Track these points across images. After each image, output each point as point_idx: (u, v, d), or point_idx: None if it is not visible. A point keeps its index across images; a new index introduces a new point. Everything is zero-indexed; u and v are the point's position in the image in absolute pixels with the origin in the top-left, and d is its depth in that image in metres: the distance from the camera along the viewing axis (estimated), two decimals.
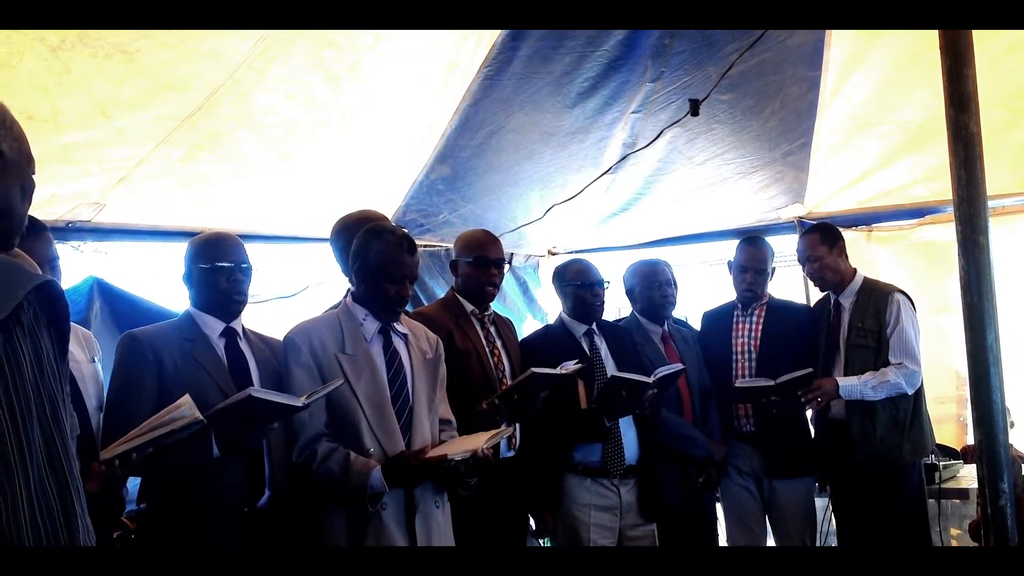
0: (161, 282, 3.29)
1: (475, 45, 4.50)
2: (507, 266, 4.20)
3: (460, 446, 3.07)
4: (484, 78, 4.71)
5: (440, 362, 3.40)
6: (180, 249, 3.36)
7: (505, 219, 5.98)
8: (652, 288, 4.68)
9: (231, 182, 4.61)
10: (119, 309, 4.38)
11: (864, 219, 5.90)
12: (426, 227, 5.82)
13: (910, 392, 4.41)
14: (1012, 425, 5.23)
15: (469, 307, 4.04)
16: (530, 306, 7.03)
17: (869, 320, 4.49)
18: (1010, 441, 5.08)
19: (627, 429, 4.20)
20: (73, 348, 3.19)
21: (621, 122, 5.32)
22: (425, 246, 5.88)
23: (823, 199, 5.98)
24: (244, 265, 3.23)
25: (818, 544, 4.78)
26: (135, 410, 2.87)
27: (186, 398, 2.66)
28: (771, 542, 4.82)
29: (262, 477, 3.14)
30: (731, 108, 5.20)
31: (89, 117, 3.70)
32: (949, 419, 5.61)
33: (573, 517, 4.15)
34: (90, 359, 3.25)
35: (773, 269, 4.87)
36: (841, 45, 4.81)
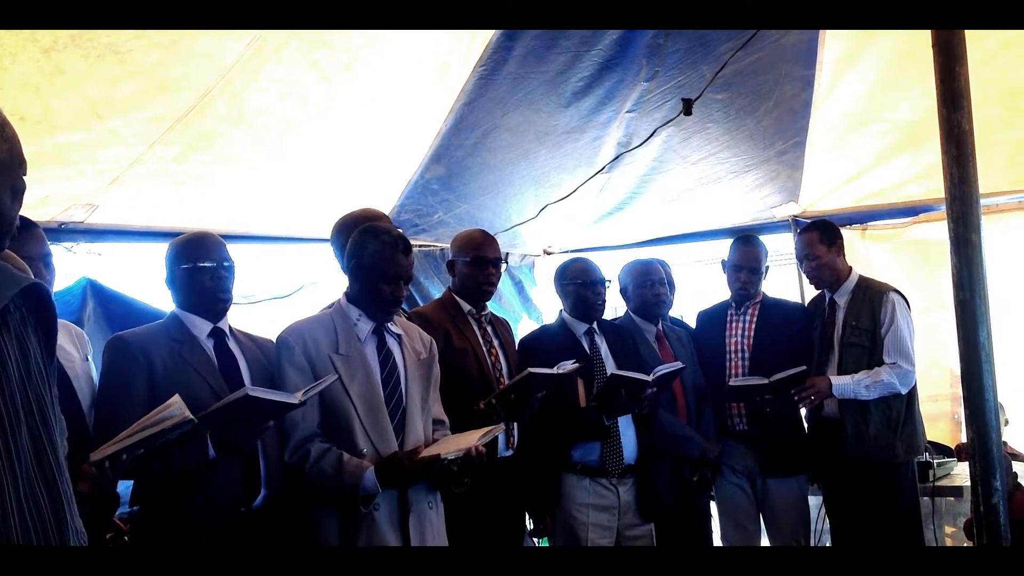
0: (154, 283, 3.26)
1: (469, 45, 4.50)
2: (504, 265, 4.19)
3: (453, 445, 3.06)
4: (478, 77, 4.72)
5: (434, 362, 3.39)
6: None
7: (500, 219, 5.99)
8: (645, 287, 4.67)
9: (225, 182, 4.61)
10: (112, 310, 4.38)
11: (858, 217, 5.90)
12: (421, 227, 5.82)
13: (904, 392, 4.42)
14: (1007, 423, 5.24)
15: (466, 307, 4.04)
16: (526, 306, 7.03)
17: (864, 319, 4.48)
18: (1004, 439, 5.13)
19: (626, 428, 4.20)
20: (67, 346, 3.19)
21: (616, 121, 5.33)
22: (420, 246, 5.88)
23: (817, 198, 5.98)
24: (226, 263, 3.20)
25: (812, 542, 4.78)
26: (126, 413, 2.83)
27: (176, 398, 2.64)
28: (765, 540, 4.82)
29: (258, 477, 3.13)
30: (725, 107, 5.21)
31: (82, 118, 3.70)
32: (943, 417, 5.61)
33: (571, 517, 4.15)
34: (83, 357, 3.24)
35: (767, 268, 4.86)
36: (835, 44, 4.82)
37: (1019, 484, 4.84)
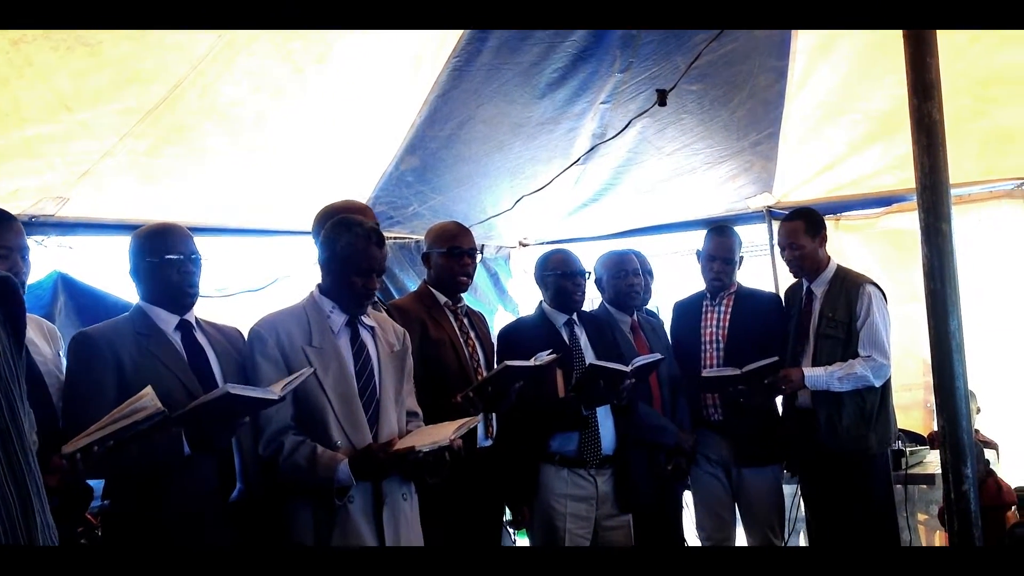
0: (126, 277, 3.21)
1: (443, 36, 4.49)
2: (479, 256, 4.19)
3: (427, 437, 3.06)
4: (452, 69, 4.71)
5: (407, 354, 3.39)
6: None
7: (475, 210, 5.98)
8: (618, 278, 4.68)
9: (197, 175, 4.58)
10: (84, 304, 4.36)
11: (832, 208, 5.92)
12: (396, 219, 5.80)
13: (877, 384, 4.41)
14: (978, 411, 5.29)
15: (442, 299, 4.05)
16: (501, 298, 7.03)
17: (840, 311, 4.47)
18: (976, 427, 5.17)
19: (605, 419, 4.21)
20: (39, 342, 3.16)
21: (590, 113, 5.33)
22: (395, 238, 5.87)
23: (791, 188, 6.01)
24: (193, 256, 3.14)
25: (786, 531, 4.80)
26: (96, 411, 2.73)
27: (148, 390, 2.61)
28: (740, 529, 4.84)
29: (232, 471, 3.10)
30: (700, 98, 5.22)
31: (52, 110, 3.67)
32: (916, 405, 5.65)
33: (549, 507, 4.16)
34: (55, 352, 3.21)
35: (741, 258, 4.88)
36: (808, 35, 4.84)
37: (991, 471, 4.89)
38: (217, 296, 4.93)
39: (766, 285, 5.88)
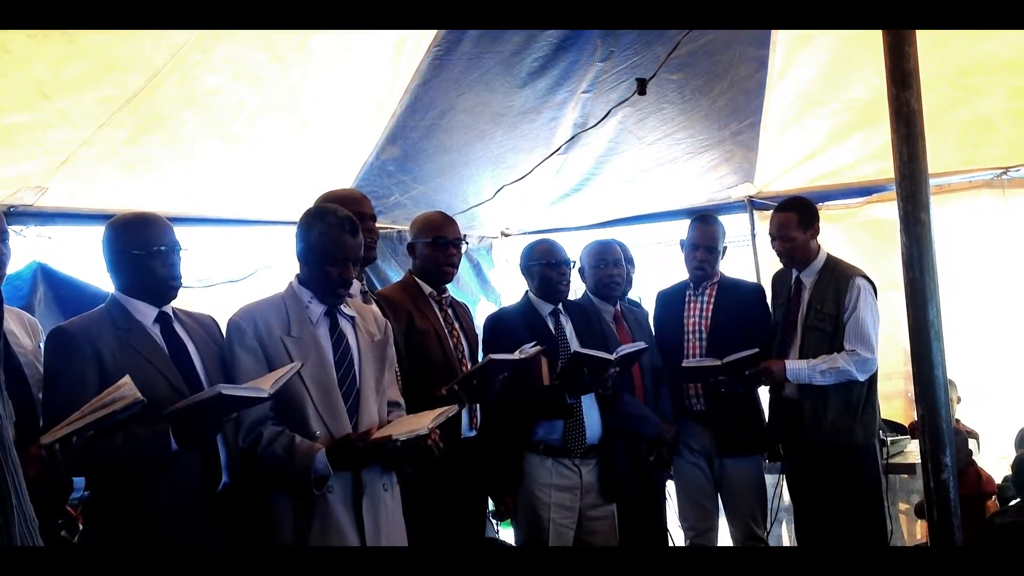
0: (104, 267, 3.15)
1: (419, 30, 4.47)
2: (464, 246, 4.19)
3: (406, 426, 3.05)
4: (433, 58, 4.70)
5: (388, 344, 3.38)
6: None
7: (457, 200, 5.97)
8: (598, 268, 4.68)
9: (177, 164, 4.55)
10: (63, 294, 4.32)
11: (813, 198, 5.82)
12: (377, 209, 5.72)
13: (861, 379, 4.37)
14: (959, 400, 5.32)
15: (427, 289, 4.04)
16: (484, 288, 7.03)
17: (828, 304, 4.42)
18: (957, 416, 5.20)
19: (590, 408, 4.21)
20: (19, 333, 3.14)
21: (571, 102, 5.33)
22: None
23: (772, 178, 6.02)
24: (177, 247, 3.08)
25: (768, 520, 4.82)
26: (77, 407, 2.64)
27: (126, 379, 2.58)
28: (722, 519, 4.86)
29: (217, 463, 3.05)
30: (680, 88, 5.22)
31: (29, 98, 3.64)
32: (897, 395, 5.68)
33: (534, 497, 4.16)
34: (36, 345, 3.18)
35: (724, 248, 4.87)
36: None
37: (972, 461, 4.93)
38: (198, 287, 4.90)
39: (748, 275, 5.90)
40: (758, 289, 5.07)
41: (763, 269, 6.09)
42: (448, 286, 4.17)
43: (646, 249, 6.75)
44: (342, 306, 3.22)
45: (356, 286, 3.63)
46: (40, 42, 3.38)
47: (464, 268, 6.66)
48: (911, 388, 2.92)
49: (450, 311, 4.09)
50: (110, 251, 3.06)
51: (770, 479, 4.91)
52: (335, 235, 3.11)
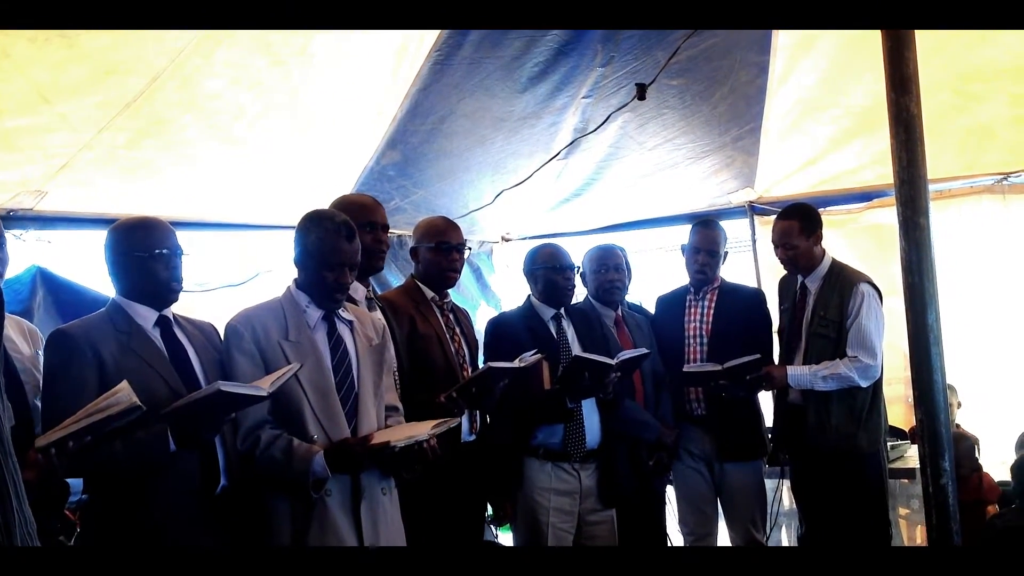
0: (105, 271, 3.16)
1: (424, 30, 4.47)
2: (468, 251, 4.20)
3: (404, 432, 3.05)
4: (434, 63, 4.69)
5: (386, 348, 3.38)
6: None
7: (457, 205, 5.97)
8: (600, 273, 4.69)
9: (177, 169, 4.55)
10: (63, 299, 4.32)
11: (813, 203, 5.88)
12: None
13: (863, 385, 4.34)
14: (959, 405, 5.31)
15: (429, 294, 4.05)
16: (484, 293, 7.03)
17: (832, 310, 4.40)
18: (958, 421, 5.19)
19: (590, 413, 4.22)
20: (17, 339, 3.14)
21: (572, 107, 5.33)
22: None
23: (773, 183, 6.03)
24: (179, 251, 3.11)
25: (768, 526, 4.81)
26: (77, 409, 2.65)
27: (124, 384, 2.58)
28: (722, 524, 4.85)
29: (215, 465, 3.06)
30: (681, 93, 5.22)
31: (29, 102, 3.63)
32: (898, 400, 5.66)
33: (533, 501, 4.16)
34: (35, 352, 3.18)
35: (725, 253, 4.87)
36: (789, 30, 4.83)
37: (979, 467, 4.92)
38: (198, 291, 4.90)
39: (749, 280, 5.90)
40: (758, 294, 5.07)
41: (764, 274, 6.09)
42: (449, 291, 4.17)
43: (646, 254, 6.76)
44: (340, 310, 3.22)
45: (361, 292, 3.64)
46: (40, 46, 3.37)
47: (464, 273, 6.60)
48: (911, 393, 2.92)
49: (451, 316, 4.10)
50: (112, 254, 3.08)
51: (770, 484, 4.91)
52: (332, 240, 3.11)
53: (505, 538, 4.87)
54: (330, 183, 5.15)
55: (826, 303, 4.44)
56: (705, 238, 4.78)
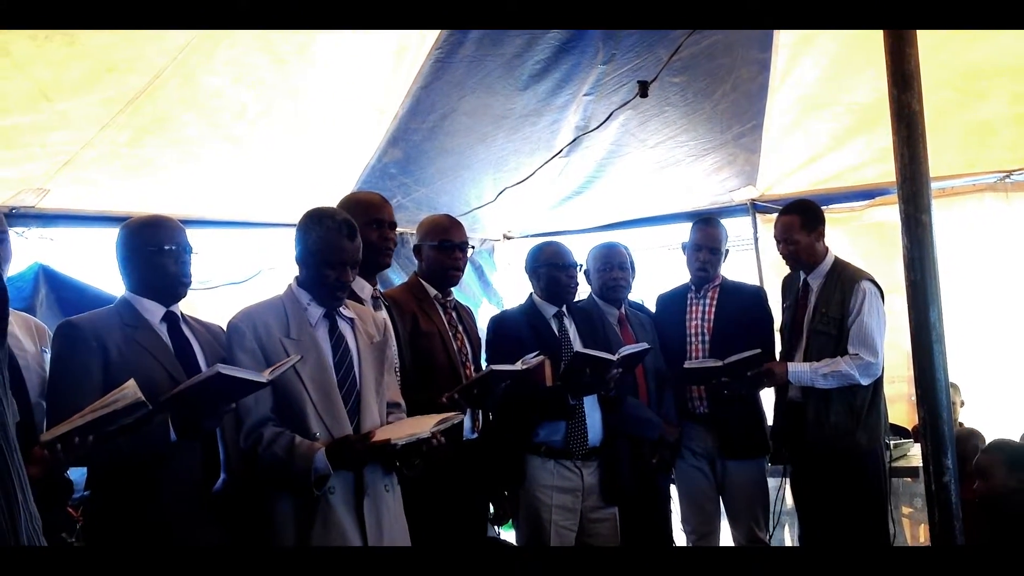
0: (108, 269, 3.20)
1: (424, 30, 4.46)
2: (471, 250, 4.20)
3: (406, 429, 3.05)
4: (435, 60, 4.69)
5: (388, 345, 3.38)
6: None
7: (459, 203, 5.97)
8: (604, 271, 4.69)
9: (178, 166, 4.55)
10: (65, 296, 4.32)
11: (816, 201, 5.93)
12: None
13: (864, 383, 4.35)
14: (962, 404, 5.30)
15: (433, 291, 4.05)
16: (486, 291, 7.03)
17: (834, 307, 4.41)
18: (960, 420, 5.19)
19: (592, 411, 4.22)
20: (21, 336, 3.15)
21: (573, 105, 5.32)
22: None
23: (775, 181, 6.02)
24: (188, 249, 3.18)
25: (770, 524, 4.81)
26: (80, 400, 2.73)
27: (131, 382, 2.59)
28: (724, 522, 4.85)
29: (217, 461, 3.11)
30: (683, 90, 5.21)
31: (31, 100, 3.63)
32: (900, 399, 5.66)
33: (535, 498, 4.16)
34: (40, 349, 3.19)
35: (727, 251, 4.87)
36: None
37: None
38: (200, 288, 4.90)
39: (750, 279, 5.89)
40: (760, 292, 5.08)
41: (766, 272, 6.09)
42: (452, 288, 4.17)
43: (648, 252, 6.75)
44: (341, 308, 3.23)
45: (368, 290, 3.64)
46: (41, 44, 3.37)
47: (466, 271, 6.64)
48: (914, 391, 2.91)
49: (454, 314, 4.10)
50: (123, 250, 3.15)
51: (772, 482, 4.90)
52: (333, 239, 3.12)
53: (507, 536, 4.86)
54: (332, 181, 5.15)
55: (828, 300, 4.45)
56: (706, 236, 4.79)
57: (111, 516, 2.97)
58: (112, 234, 3.22)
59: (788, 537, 5.80)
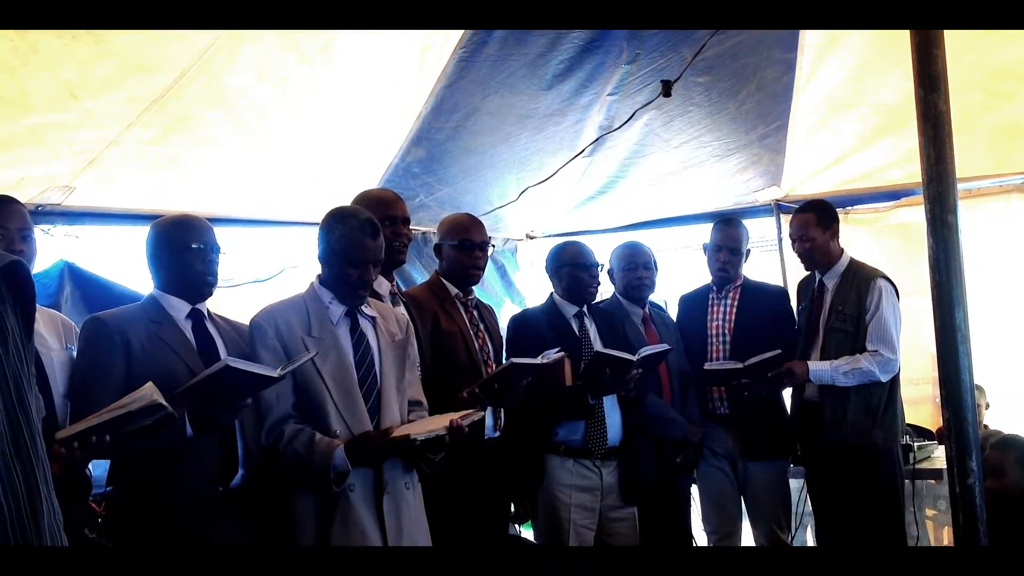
0: (133, 266, 3.24)
1: (447, 30, 4.47)
2: (491, 249, 4.20)
3: (425, 426, 3.07)
4: (459, 60, 4.69)
5: (409, 343, 3.38)
6: None
7: (481, 202, 5.97)
8: (628, 270, 4.69)
9: (203, 165, 4.57)
10: (90, 293, 4.35)
11: (840, 202, 5.88)
12: None
13: (884, 380, 4.37)
14: (987, 406, 5.26)
15: (454, 290, 4.06)
16: (508, 290, 7.02)
17: (850, 305, 4.44)
18: (985, 422, 5.15)
19: (611, 410, 4.22)
20: (45, 333, 3.17)
21: (597, 104, 5.31)
22: None
23: (800, 181, 5.99)
24: (217, 248, 3.22)
25: (793, 526, 4.79)
26: (102, 393, 2.82)
27: (149, 385, 2.62)
28: (746, 523, 4.83)
29: (235, 457, 3.14)
30: (707, 90, 5.19)
31: (58, 98, 3.66)
32: (925, 400, 5.62)
33: (554, 497, 4.17)
34: (64, 347, 3.21)
35: (748, 251, 4.86)
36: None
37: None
38: (224, 286, 4.91)
39: (774, 280, 5.86)
40: (782, 292, 5.06)
41: (790, 273, 6.05)
42: (473, 288, 4.18)
43: (671, 253, 6.73)
44: (363, 306, 3.24)
45: (385, 287, 3.65)
46: (68, 43, 3.40)
47: (489, 270, 6.63)
48: (939, 393, 2.89)
49: (475, 312, 4.11)
50: (152, 248, 3.20)
51: (795, 483, 4.89)
52: (356, 237, 3.13)
53: (529, 535, 4.86)
54: (355, 180, 5.14)
55: (844, 298, 4.47)
56: (727, 236, 4.78)
57: (131, 511, 3.01)
58: (137, 232, 3.26)
59: (810, 538, 5.77)
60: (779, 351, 4.37)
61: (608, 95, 5.23)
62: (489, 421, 3.85)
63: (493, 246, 4.62)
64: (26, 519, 1.56)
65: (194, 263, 3.15)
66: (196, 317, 3.20)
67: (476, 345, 3.98)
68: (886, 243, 5.84)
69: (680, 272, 6.34)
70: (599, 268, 4.38)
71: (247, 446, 3.14)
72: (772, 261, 6.21)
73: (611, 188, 6.31)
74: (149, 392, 2.58)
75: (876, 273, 4.51)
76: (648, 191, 6.32)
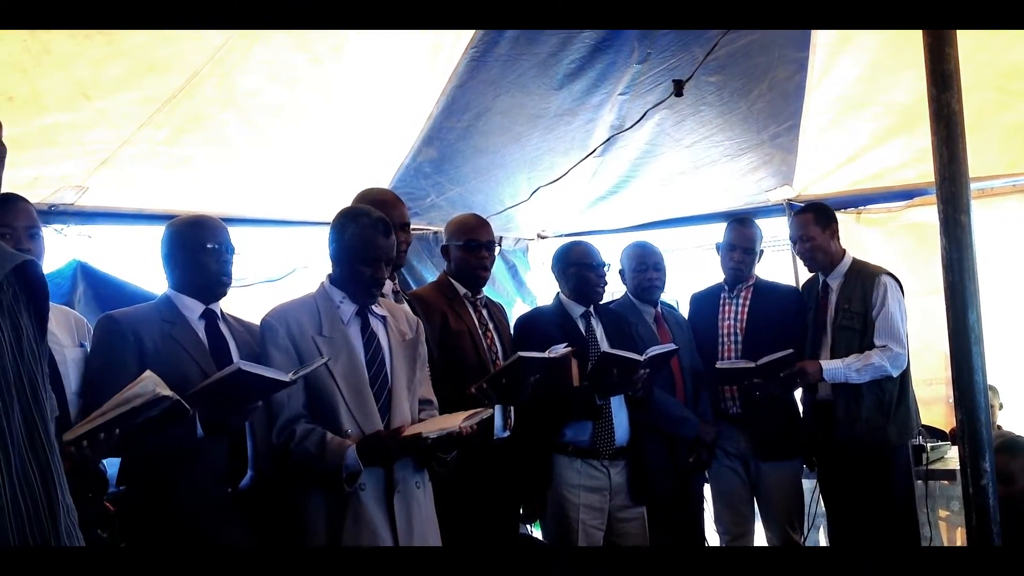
0: (146, 266, 3.26)
1: (458, 30, 4.47)
2: (497, 249, 4.19)
3: (436, 425, 3.07)
4: (470, 59, 4.68)
5: (420, 342, 3.39)
6: None
7: (492, 202, 5.97)
8: (639, 271, 4.69)
9: (215, 165, 4.58)
10: (103, 293, 4.36)
11: (853, 201, 5.91)
12: (413, 211, 5.76)
13: (895, 374, 4.40)
14: (1001, 407, 5.25)
15: (462, 290, 4.07)
16: (520, 290, 7.02)
17: (856, 302, 4.48)
18: (999, 423, 5.13)
19: (619, 410, 4.22)
20: (58, 331, 3.18)
21: (608, 104, 5.30)
22: (412, 229, 5.84)
23: (812, 181, 5.97)
24: (231, 249, 3.24)
25: (805, 526, 4.78)
26: (115, 391, 2.75)
27: (147, 374, 2.62)
28: (758, 524, 4.82)
29: (244, 457, 3.15)
30: (719, 90, 5.18)
31: (70, 99, 3.67)
32: (938, 401, 5.61)
33: (563, 498, 4.17)
34: (77, 344, 3.22)
35: (761, 251, 4.86)
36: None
37: None
38: (236, 286, 4.92)
39: (786, 279, 5.85)
40: (794, 292, 5.05)
41: (801, 273, 6.03)
42: (484, 287, 4.18)
43: (683, 253, 6.72)
44: (374, 306, 3.24)
45: (388, 285, 3.65)
46: (81, 43, 3.40)
47: (500, 269, 6.65)
48: (952, 393, 2.88)
49: (484, 312, 4.11)
50: (167, 248, 3.22)
51: (807, 484, 4.87)
52: (368, 236, 3.14)
53: (539, 534, 4.86)
54: (366, 180, 5.12)
55: (850, 296, 4.52)
56: (740, 235, 4.79)
57: (142, 511, 3.02)
58: (149, 231, 3.28)
59: (823, 539, 5.76)
60: (791, 351, 4.38)
61: (619, 95, 5.22)
62: (499, 421, 3.85)
63: (499, 246, 4.62)
64: (44, 518, 1.57)
65: (209, 263, 3.17)
66: (209, 317, 3.22)
67: (485, 344, 3.99)
68: (899, 243, 5.83)
69: (692, 272, 6.34)
70: (606, 268, 4.37)
71: (258, 447, 3.15)
72: (784, 261, 6.19)
73: (622, 188, 6.29)
74: (150, 385, 2.58)
75: (879, 270, 4.57)
76: (659, 191, 6.31)
